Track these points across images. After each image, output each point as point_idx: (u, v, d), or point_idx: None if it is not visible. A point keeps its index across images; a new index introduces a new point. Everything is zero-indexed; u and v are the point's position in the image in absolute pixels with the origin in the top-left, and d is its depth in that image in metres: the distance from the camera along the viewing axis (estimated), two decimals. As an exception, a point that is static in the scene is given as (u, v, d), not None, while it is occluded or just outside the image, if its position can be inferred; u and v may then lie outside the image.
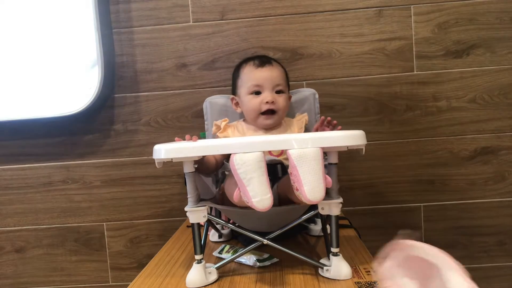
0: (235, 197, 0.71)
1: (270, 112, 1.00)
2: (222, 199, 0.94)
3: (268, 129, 1.04)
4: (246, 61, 1.08)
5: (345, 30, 1.38)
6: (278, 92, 1.02)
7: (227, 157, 1.03)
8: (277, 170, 0.91)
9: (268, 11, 1.38)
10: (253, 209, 0.68)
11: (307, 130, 1.10)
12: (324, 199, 0.75)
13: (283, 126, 1.06)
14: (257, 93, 1.02)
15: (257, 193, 0.67)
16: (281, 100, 1.01)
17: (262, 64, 1.03)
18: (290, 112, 1.14)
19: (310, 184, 0.67)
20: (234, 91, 1.11)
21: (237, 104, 1.09)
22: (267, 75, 1.01)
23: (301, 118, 1.09)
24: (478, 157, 1.39)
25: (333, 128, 0.97)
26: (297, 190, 0.68)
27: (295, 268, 0.82)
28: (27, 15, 1.32)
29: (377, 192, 1.41)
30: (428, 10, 1.36)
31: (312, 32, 1.38)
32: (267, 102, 0.99)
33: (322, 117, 0.99)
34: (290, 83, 1.36)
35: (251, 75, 1.03)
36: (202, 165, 0.87)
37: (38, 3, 1.31)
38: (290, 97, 1.11)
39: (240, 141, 0.74)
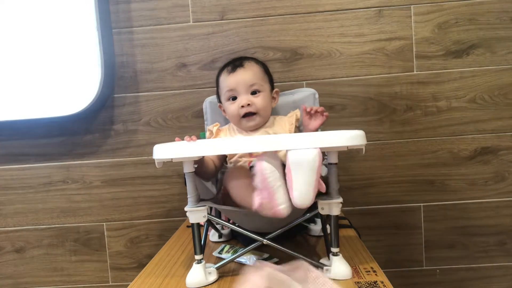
0: (258, 206, 0.70)
1: (250, 114, 1.01)
2: (223, 199, 0.94)
3: (257, 129, 1.04)
4: (222, 68, 1.09)
5: (345, 30, 1.38)
6: (254, 92, 1.02)
7: (224, 160, 1.04)
8: None
9: (268, 11, 1.38)
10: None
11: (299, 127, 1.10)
12: (324, 199, 0.76)
13: (273, 124, 1.06)
14: (234, 98, 1.03)
15: (283, 200, 0.69)
16: (257, 100, 1.01)
17: (233, 69, 1.04)
18: (290, 112, 1.14)
19: (300, 189, 0.68)
20: (218, 99, 1.13)
21: (224, 111, 1.10)
22: (239, 78, 1.02)
23: (292, 115, 1.09)
24: (478, 157, 1.39)
25: (321, 115, 0.96)
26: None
27: (295, 268, 0.82)
28: (27, 15, 1.32)
29: (377, 192, 1.41)
30: (428, 10, 1.36)
31: (312, 32, 1.38)
32: (242, 106, 1.00)
33: (304, 107, 0.98)
34: (290, 83, 1.37)
35: (225, 83, 1.05)
36: (201, 169, 0.87)
37: (38, 3, 1.31)
38: (277, 92, 1.10)
39: (240, 141, 0.74)
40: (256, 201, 0.70)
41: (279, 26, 1.39)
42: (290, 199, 0.70)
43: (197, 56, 1.41)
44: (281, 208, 0.69)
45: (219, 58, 1.40)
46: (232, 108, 1.03)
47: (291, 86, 1.31)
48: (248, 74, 1.03)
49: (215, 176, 1.05)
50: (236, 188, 0.81)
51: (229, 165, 1.03)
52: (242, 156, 0.99)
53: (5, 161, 1.45)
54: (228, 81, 1.04)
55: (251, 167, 0.88)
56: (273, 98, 1.08)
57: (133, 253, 1.46)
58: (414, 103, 1.38)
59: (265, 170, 0.68)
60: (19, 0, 1.31)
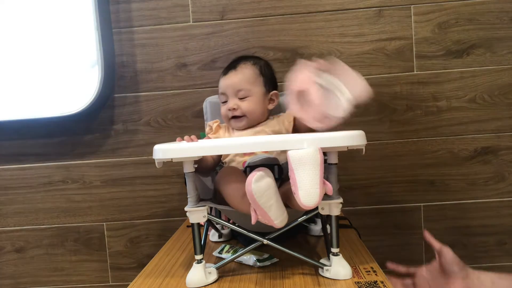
0: (254, 221, 0.73)
1: (237, 117, 1.03)
2: (220, 199, 0.93)
3: (253, 126, 1.04)
4: (223, 70, 1.10)
5: (345, 30, 1.38)
6: (242, 97, 1.03)
7: (221, 157, 1.04)
8: (274, 171, 0.91)
9: (268, 11, 1.38)
10: None
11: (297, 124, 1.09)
12: (324, 199, 0.76)
13: (271, 122, 1.06)
14: (225, 101, 1.05)
15: (278, 216, 0.72)
16: (244, 104, 1.02)
17: (226, 72, 1.06)
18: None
19: (306, 188, 0.68)
20: None
21: None
22: (228, 82, 1.04)
23: (290, 112, 1.08)
24: (478, 157, 1.39)
25: None
26: (294, 193, 0.69)
27: (295, 268, 0.82)
28: (27, 15, 1.32)
29: (377, 192, 1.41)
30: (428, 10, 1.36)
31: (312, 32, 1.38)
32: (229, 110, 1.02)
33: None
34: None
35: (219, 85, 1.07)
36: (201, 166, 0.87)
37: (38, 3, 1.31)
38: (275, 94, 1.07)
39: (240, 142, 0.74)
40: (253, 216, 0.73)
41: (279, 26, 1.39)
42: (285, 211, 0.73)
43: (197, 56, 1.41)
44: (276, 222, 0.72)
45: (219, 58, 1.40)
46: (223, 110, 1.05)
47: (291, 86, 1.31)
48: (236, 79, 1.03)
49: (213, 171, 1.05)
50: (228, 193, 0.82)
51: (224, 164, 1.03)
52: (236, 154, 0.99)
53: (5, 161, 1.45)
54: (220, 84, 1.06)
55: (246, 168, 0.88)
56: (271, 100, 1.07)
57: (133, 253, 1.47)
58: (414, 103, 1.38)
59: (254, 193, 0.69)
60: (19, 0, 1.31)
